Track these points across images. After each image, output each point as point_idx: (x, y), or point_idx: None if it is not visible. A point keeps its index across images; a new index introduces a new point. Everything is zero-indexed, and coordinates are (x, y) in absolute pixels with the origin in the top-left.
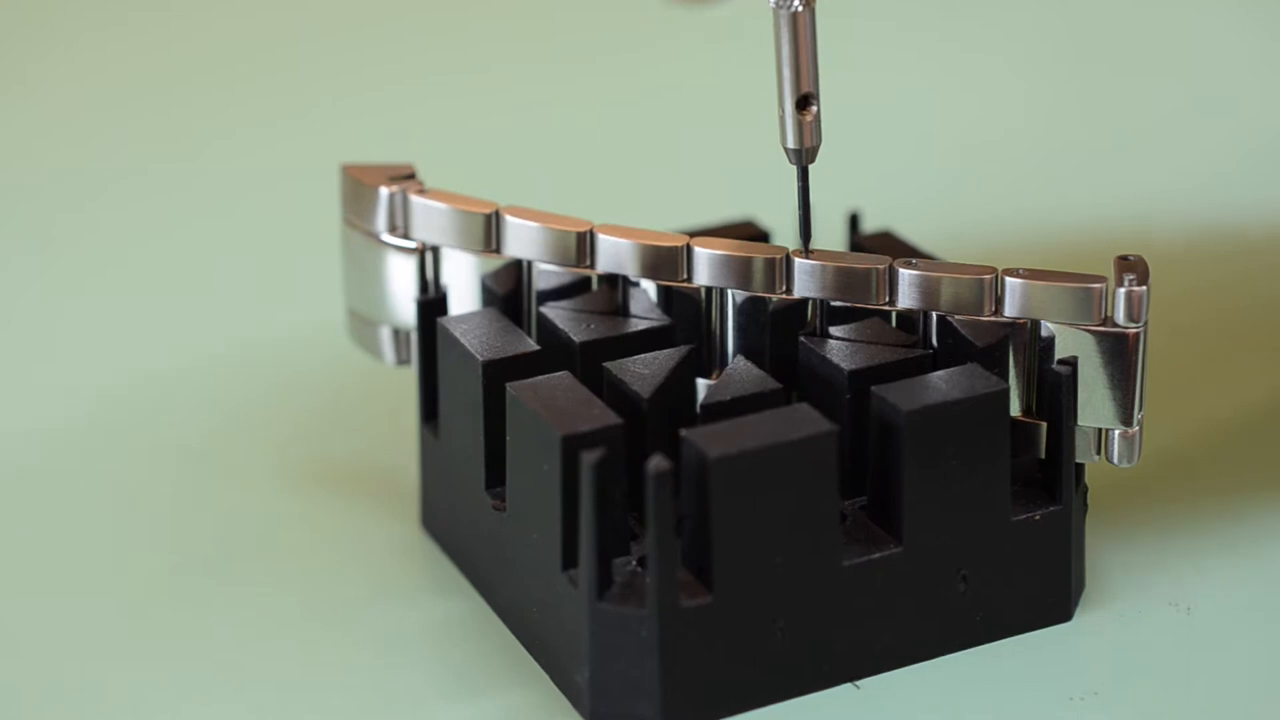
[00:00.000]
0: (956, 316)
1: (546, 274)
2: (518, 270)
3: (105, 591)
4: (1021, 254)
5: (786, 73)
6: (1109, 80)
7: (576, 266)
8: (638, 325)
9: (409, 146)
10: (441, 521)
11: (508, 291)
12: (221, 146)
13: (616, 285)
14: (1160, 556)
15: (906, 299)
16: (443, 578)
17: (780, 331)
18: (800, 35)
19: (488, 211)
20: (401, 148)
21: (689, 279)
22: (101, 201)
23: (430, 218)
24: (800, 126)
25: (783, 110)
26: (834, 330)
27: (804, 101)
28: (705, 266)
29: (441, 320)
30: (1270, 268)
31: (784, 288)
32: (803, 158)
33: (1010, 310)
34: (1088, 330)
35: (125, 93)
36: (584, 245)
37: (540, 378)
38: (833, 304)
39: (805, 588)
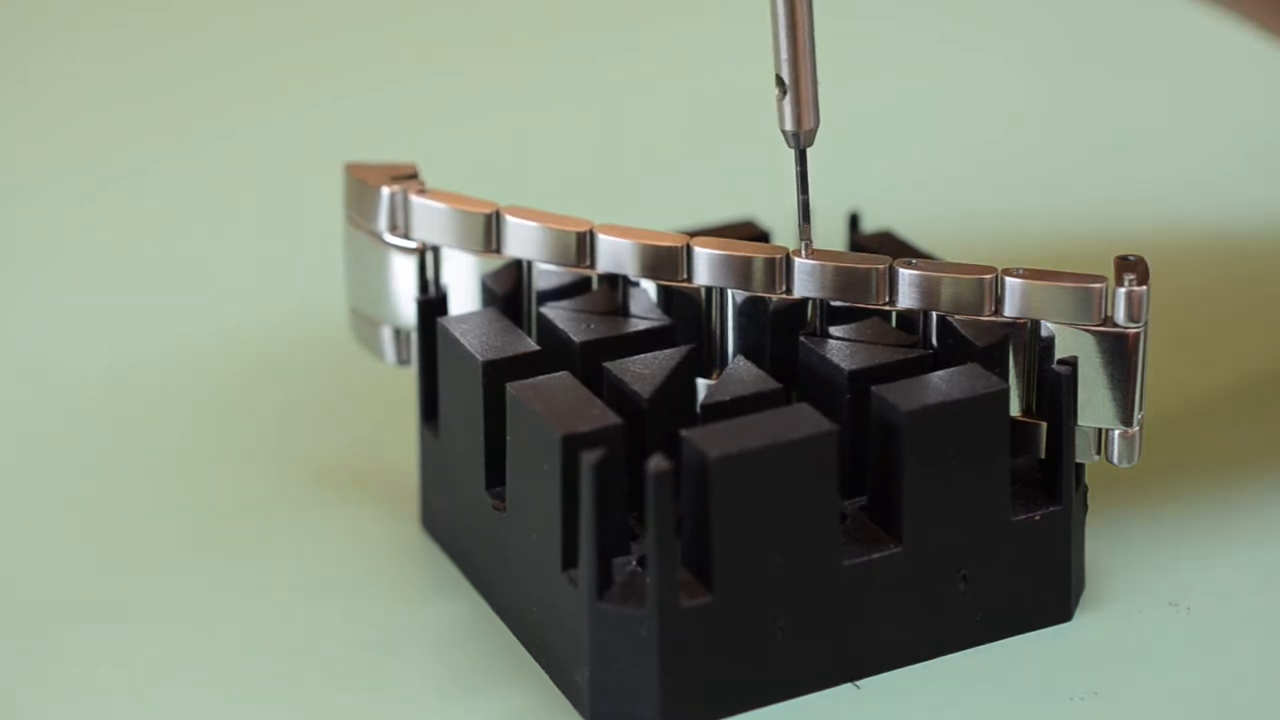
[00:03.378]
0: (956, 316)
1: (546, 274)
2: (518, 270)
3: (104, 591)
4: (1021, 254)
5: (783, 55)
6: (1109, 80)
7: (576, 266)
8: (638, 325)
9: (409, 146)
10: (441, 521)
11: (508, 291)
12: (221, 146)
13: (616, 285)
14: (1160, 556)
15: (906, 299)
16: (443, 578)
17: (780, 331)
18: (796, 17)
19: (488, 211)
20: (402, 148)
21: (689, 279)
22: (102, 201)
23: (430, 218)
24: (796, 109)
25: (780, 93)
26: (834, 330)
27: (797, 84)
28: (705, 266)
29: (441, 320)
30: (1270, 268)
31: (784, 288)
32: (800, 140)
33: (1010, 310)
34: (1088, 330)
35: (125, 93)
36: (584, 245)
37: (540, 378)
38: (833, 304)
39: (805, 588)
